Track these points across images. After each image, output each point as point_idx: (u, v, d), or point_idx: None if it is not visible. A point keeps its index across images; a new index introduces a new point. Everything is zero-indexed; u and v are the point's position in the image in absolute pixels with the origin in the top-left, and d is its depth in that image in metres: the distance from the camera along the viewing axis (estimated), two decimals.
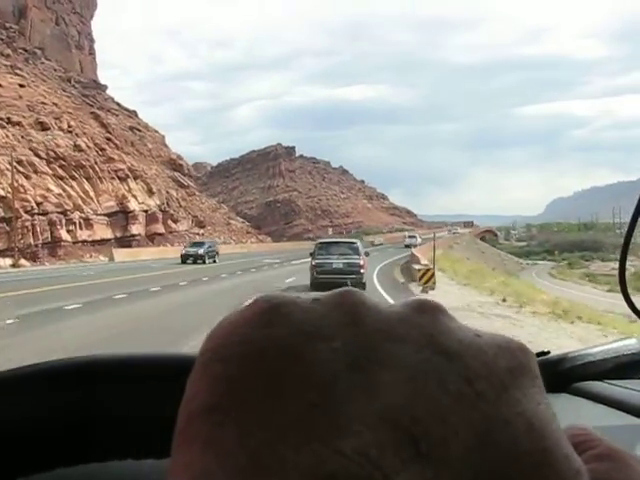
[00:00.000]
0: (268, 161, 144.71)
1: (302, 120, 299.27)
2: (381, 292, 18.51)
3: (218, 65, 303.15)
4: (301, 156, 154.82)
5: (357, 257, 20.27)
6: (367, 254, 22.19)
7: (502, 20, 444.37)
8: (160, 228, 60.45)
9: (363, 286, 18.64)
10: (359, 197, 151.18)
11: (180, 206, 69.64)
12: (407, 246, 55.22)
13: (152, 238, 58.74)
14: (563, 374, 1.05)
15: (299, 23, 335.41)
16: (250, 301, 0.26)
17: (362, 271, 19.96)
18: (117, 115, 78.33)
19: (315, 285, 19.30)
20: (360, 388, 0.23)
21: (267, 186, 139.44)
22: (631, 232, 1.09)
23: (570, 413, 0.94)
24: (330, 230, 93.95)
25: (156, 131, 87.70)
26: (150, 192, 62.38)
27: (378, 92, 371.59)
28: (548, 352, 1.12)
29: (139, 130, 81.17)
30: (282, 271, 28.04)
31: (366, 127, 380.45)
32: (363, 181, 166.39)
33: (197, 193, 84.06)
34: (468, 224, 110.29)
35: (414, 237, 70.27)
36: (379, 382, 0.23)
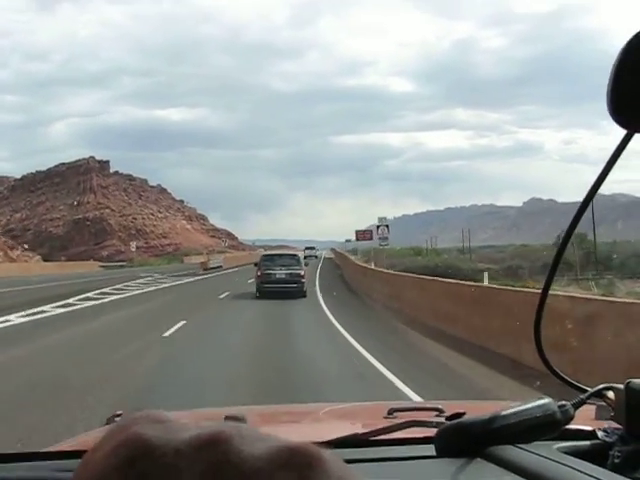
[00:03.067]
0: (79, 175, 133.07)
1: (120, 140, 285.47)
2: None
3: (32, 78, 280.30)
4: (116, 172, 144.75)
5: (298, 268, 22.60)
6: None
7: (324, 50, 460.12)
8: None
9: (304, 294, 21.82)
10: (178, 217, 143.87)
11: None
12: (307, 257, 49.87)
13: None
14: (476, 438, 1.05)
15: (118, 41, 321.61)
16: (116, 436, 0.25)
17: (303, 280, 22.28)
18: None
19: (261, 292, 21.85)
20: None
21: (76, 202, 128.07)
22: (554, 270, 1.10)
23: None
24: (134, 245, 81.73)
25: None
26: None
27: (197, 115, 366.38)
28: (463, 413, 1.11)
29: None
30: None
31: (186, 149, 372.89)
32: (182, 201, 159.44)
33: None
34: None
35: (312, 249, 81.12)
36: None
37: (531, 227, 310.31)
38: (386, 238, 28.76)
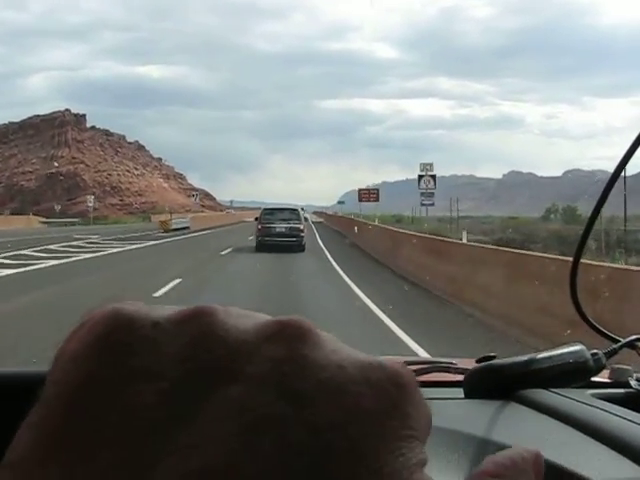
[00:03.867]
0: (54, 128, 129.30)
1: (99, 96, 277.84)
2: None
3: (8, 28, 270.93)
4: (93, 127, 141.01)
5: (298, 222, 22.99)
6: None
7: (309, 13, 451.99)
8: None
9: (303, 248, 21.98)
10: (155, 175, 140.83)
11: None
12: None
13: None
14: (508, 380, 1.05)
15: None
16: (95, 314, 0.24)
17: (302, 235, 22.60)
18: None
19: (260, 246, 21.66)
20: (177, 445, 0.21)
21: (50, 156, 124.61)
22: (589, 230, 1.13)
23: (513, 422, 0.95)
24: (91, 199, 73.72)
25: None
26: None
27: (179, 73, 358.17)
28: (494, 356, 1.11)
29: None
30: None
31: (166, 108, 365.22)
32: (160, 159, 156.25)
33: None
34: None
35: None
36: (204, 436, 0.21)
37: (510, 200, 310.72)
38: (431, 195, 22.20)
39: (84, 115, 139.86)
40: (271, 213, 23.69)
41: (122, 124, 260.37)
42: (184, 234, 35.23)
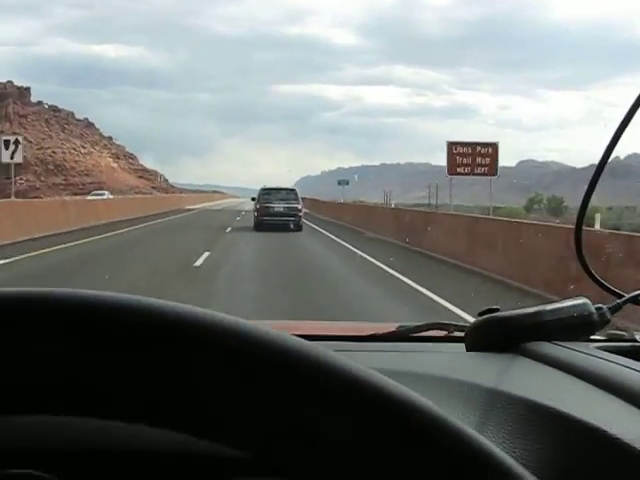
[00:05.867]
0: None
1: (51, 73, 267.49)
2: None
3: None
4: (39, 102, 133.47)
5: (296, 202, 23.76)
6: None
7: None
8: None
9: (300, 227, 22.96)
10: (104, 154, 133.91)
11: None
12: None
13: None
14: (512, 333, 1.03)
15: None
16: None
17: (300, 214, 23.55)
18: None
19: (258, 225, 22.44)
20: None
21: None
22: (587, 200, 1.14)
23: (519, 374, 0.94)
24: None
25: None
26: None
27: (134, 53, 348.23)
28: (497, 309, 1.08)
29: None
30: None
31: (121, 88, 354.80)
32: (111, 137, 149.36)
33: None
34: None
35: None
36: None
37: (466, 188, 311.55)
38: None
39: (28, 88, 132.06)
40: (269, 193, 24.06)
41: (74, 103, 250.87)
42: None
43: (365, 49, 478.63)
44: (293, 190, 25.32)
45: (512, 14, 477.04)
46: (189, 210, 43.41)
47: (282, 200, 23.54)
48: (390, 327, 1.32)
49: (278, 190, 24.86)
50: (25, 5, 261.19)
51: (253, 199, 24.67)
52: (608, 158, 1.03)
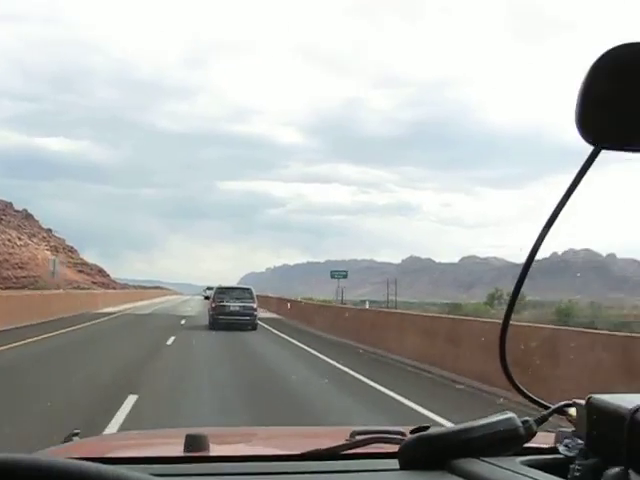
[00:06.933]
0: None
1: None
2: None
3: None
4: None
5: (251, 301, 23.77)
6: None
7: (214, 94, 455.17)
8: None
9: (254, 326, 23.07)
10: (41, 247, 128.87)
11: None
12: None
13: None
14: (440, 451, 1.07)
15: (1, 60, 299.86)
16: None
17: (255, 313, 23.64)
18: None
19: (213, 324, 22.48)
20: None
21: None
22: (513, 303, 1.15)
23: None
24: None
25: None
26: None
27: (79, 147, 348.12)
28: (427, 427, 1.14)
29: None
30: None
31: (63, 181, 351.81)
32: (50, 230, 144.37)
33: None
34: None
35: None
36: None
37: (410, 284, 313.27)
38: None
39: None
40: (224, 292, 23.93)
41: (13, 195, 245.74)
42: None
43: (310, 148, 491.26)
44: (248, 289, 25.14)
45: (452, 115, 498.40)
46: (98, 317, 26.46)
47: (237, 299, 23.52)
48: (339, 431, 1.40)
49: (233, 289, 25.09)
50: None
51: (207, 298, 25.32)
52: (533, 258, 1.03)
